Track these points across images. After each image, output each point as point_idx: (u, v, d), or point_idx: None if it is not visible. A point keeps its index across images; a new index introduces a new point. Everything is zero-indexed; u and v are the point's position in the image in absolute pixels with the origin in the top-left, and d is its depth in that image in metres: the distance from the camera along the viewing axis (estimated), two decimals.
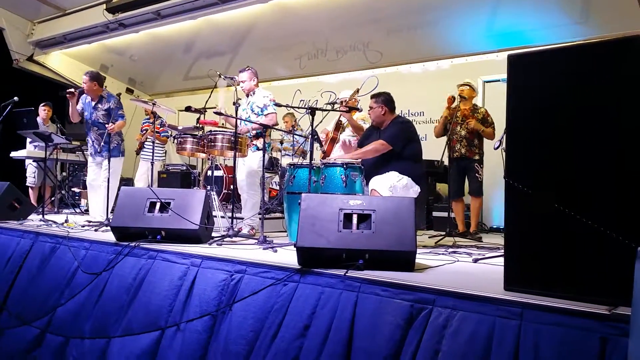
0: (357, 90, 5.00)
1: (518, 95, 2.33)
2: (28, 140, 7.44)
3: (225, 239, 3.97)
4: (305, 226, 2.84)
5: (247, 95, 5.08)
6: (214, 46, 8.81)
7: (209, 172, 6.16)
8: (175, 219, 3.72)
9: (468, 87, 5.56)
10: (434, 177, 7.02)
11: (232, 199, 4.79)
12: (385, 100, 4.44)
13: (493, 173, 5.75)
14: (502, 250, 2.77)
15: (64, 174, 8.63)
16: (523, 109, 2.32)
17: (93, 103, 5.56)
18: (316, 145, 4.66)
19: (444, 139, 5.47)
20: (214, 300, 2.88)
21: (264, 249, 3.60)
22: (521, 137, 2.32)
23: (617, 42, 2.13)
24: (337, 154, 5.02)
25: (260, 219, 4.27)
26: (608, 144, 2.05)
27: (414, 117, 7.57)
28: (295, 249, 2.78)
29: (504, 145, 3.00)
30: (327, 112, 4.69)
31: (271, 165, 6.78)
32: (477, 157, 5.45)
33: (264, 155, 4.48)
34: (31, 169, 7.69)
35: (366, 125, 4.85)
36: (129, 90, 10.51)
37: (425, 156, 4.66)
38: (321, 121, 4.85)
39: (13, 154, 7.38)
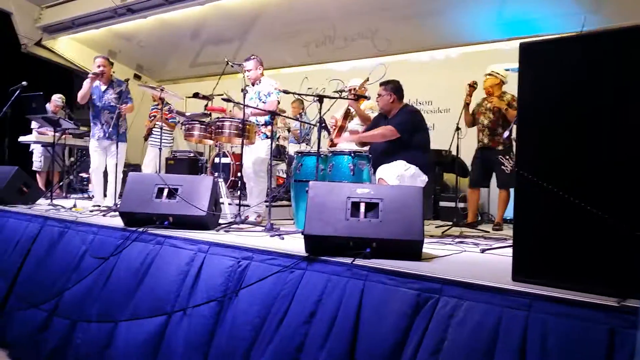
0: (367, 79, 4.97)
1: (530, 84, 2.30)
2: (33, 125, 7.47)
3: (232, 226, 3.98)
4: (313, 214, 2.83)
5: (253, 84, 5.05)
6: (221, 32, 8.78)
7: (217, 159, 6.17)
8: (183, 205, 3.73)
9: (490, 77, 5.44)
10: (441, 167, 7.00)
11: (239, 186, 4.80)
12: (394, 88, 4.41)
13: None
14: (510, 241, 2.77)
15: (72, 159, 8.66)
16: (534, 98, 2.29)
17: (103, 87, 5.57)
18: (324, 133, 4.65)
19: (453, 128, 5.41)
20: (220, 286, 2.89)
21: (271, 236, 3.61)
22: (532, 127, 2.29)
23: (632, 30, 2.10)
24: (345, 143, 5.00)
25: (267, 206, 4.27)
26: (621, 135, 2.02)
27: (422, 106, 7.53)
28: (302, 236, 2.78)
29: (513, 134, 2.98)
30: (335, 99, 4.67)
31: (278, 153, 6.78)
32: (500, 148, 5.33)
33: (272, 144, 4.47)
34: (37, 154, 7.73)
35: (374, 115, 4.83)
36: (137, 77, 10.53)
37: (433, 146, 4.63)
38: (329, 109, 4.84)
39: (21, 138, 7.42)
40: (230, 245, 3.09)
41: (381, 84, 4.51)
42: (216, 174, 5.21)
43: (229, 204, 4.93)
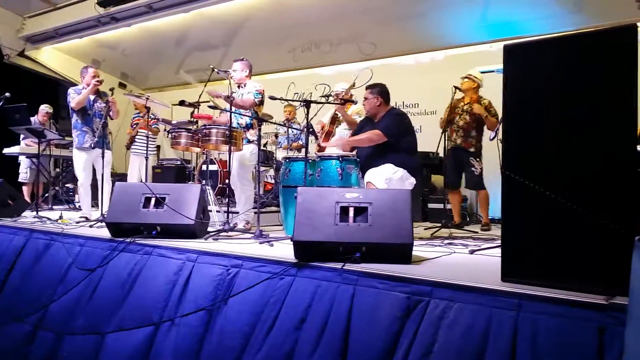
0: (354, 84, 4.97)
1: (514, 85, 2.32)
2: (22, 136, 7.40)
3: (221, 234, 3.95)
4: (302, 220, 2.82)
5: (239, 87, 5.02)
6: (206, 39, 8.75)
7: (204, 167, 6.13)
8: (171, 214, 3.70)
9: (467, 80, 5.50)
10: (429, 169, 7.02)
11: (227, 194, 4.77)
12: (380, 91, 4.42)
13: (489, 164, 5.75)
14: (498, 241, 2.77)
15: (58, 170, 8.57)
16: (519, 99, 2.30)
17: (92, 96, 5.61)
18: (311, 138, 4.64)
19: (439, 130, 5.44)
20: (209, 295, 2.86)
21: (260, 243, 3.59)
22: (517, 128, 2.30)
23: (611, 31, 2.12)
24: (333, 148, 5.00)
25: (256, 213, 4.25)
26: (605, 133, 2.04)
27: (409, 109, 7.56)
28: (291, 242, 2.77)
29: (499, 136, 3.00)
30: (321, 104, 4.66)
31: (266, 159, 6.76)
32: (472, 150, 5.41)
33: (259, 150, 4.45)
34: (24, 165, 7.64)
35: (360, 119, 4.83)
36: (122, 85, 10.45)
37: (420, 148, 4.65)
38: (315, 114, 4.83)
39: (5, 150, 7.33)
40: (219, 253, 3.07)
41: (367, 87, 4.51)
42: (204, 182, 5.17)
43: (217, 212, 4.90)
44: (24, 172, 7.62)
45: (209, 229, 4.09)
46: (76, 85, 5.85)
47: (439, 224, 5.23)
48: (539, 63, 2.26)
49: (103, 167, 5.26)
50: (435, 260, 2.97)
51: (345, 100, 4.69)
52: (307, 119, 4.08)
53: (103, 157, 5.22)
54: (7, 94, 5.64)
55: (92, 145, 5.45)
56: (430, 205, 6.66)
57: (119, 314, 3.15)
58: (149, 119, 5.70)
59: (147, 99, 5.51)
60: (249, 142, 4.84)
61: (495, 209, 5.56)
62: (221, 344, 2.66)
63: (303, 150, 4.16)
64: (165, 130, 6.76)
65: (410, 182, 4.22)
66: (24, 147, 7.32)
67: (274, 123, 6.71)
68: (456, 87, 5.40)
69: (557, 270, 2.09)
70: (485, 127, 5.44)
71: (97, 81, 5.53)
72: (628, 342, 1.55)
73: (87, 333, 3.20)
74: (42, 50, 9.65)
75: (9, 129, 6.32)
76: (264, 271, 2.79)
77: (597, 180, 2.03)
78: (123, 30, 8.57)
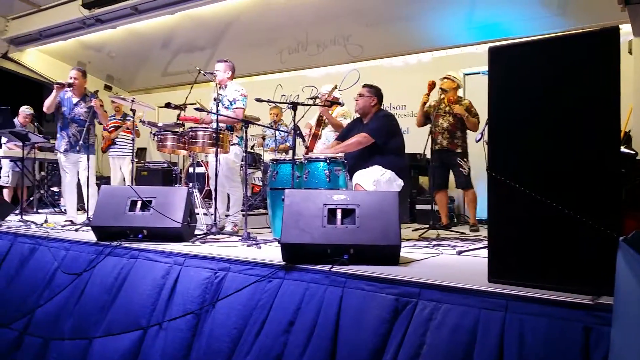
0: (335, 87, 4.97)
1: (499, 87, 2.34)
2: (3, 140, 7.30)
3: (208, 237, 3.93)
4: (289, 222, 2.82)
5: (219, 88, 4.99)
6: (193, 41, 8.72)
7: (191, 169, 6.10)
8: (157, 218, 3.67)
9: (447, 80, 5.56)
10: (416, 170, 7.05)
11: (214, 196, 4.74)
12: (377, 92, 4.44)
13: (476, 165, 5.80)
14: (485, 242, 2.79)
15: (43, 173, 8.47)
16: (504, 101, 2.32)
17: (75, 99, 5.42)
18: (299, 140, 4.63)
19: (427, 131, 5.47)
20: (197, 299, 2.84)
21: (247, 245, 3.57)
22: (503, 129, 2.32)
23: (594, 33, 2.15)
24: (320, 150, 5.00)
25: (243, 215, 4.23)
26: (589, 135, 2.06)
27: (396, 111, 7.58)
28: (279, 245, 2.76)
29: (485, 137, 3.02)
30: (308, 107, 4.66)
31: (253, 161, 6.73)
32: (459, 150, 5.44)
33: (245, 151, 4.43)
34: (5, 169, 7.53)
35: (345, 122, 4.84)
36: (107, 87, 10.37)
37: (408, 149, 4.66)
38: (303, 116, 4.83)
39: None
40: (206, 256, 3.05)
41: (365, 85, 4.51)
42: (190, 184, 5.14)
43: (205, 214, 4.87)
44: (5, 176, 7.52)
45: (196, 232, 4.07)
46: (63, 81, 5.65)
47: (427, 225, 5.26)
48: (523, 65, 2.28)
49: (88, 171, 5.22)
50: (423, 262, 2.98)
51: (332, 102, 4.69)
52: (295, 121, 4.07)
53: (88, 159, 5.17)
54: None
55: (67, 150, 5.36)
56: (418, 207, 6.69)
57: (106, 318, 3.11)
58: (133, 122, 5.65)
59: (133, 101, 5.47)
60: (233, 143, 4.83)
61: (482, 210, 5.60)
62: (210, 348, 2.65)
63: (290, 152, 4.15)
64: (151, 133, 6.71)
65: (398, 183, 4.23)
66: (7, 150, 7.21)
67: (261, 125, 6.69)
68: (442, 89, 5.44)
69: (544, 271, 2.10)
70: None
71: (58, 83, 5.28)
72: (613, 342, 1.57)
73: (74, 338, 3.16)
74: (26, 52, 9.54)
75: None
76: (252, 274, 2.78)
77: (582, 180, 2.05)
78: (109, 32, 8.51)
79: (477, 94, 5.47)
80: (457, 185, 5.55)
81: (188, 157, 6.41)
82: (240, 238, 3.89)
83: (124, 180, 6.76)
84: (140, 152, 9.72)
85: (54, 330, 3.31)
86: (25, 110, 7.67)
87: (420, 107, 5.56)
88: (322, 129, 5.00)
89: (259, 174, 7.17)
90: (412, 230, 5.18)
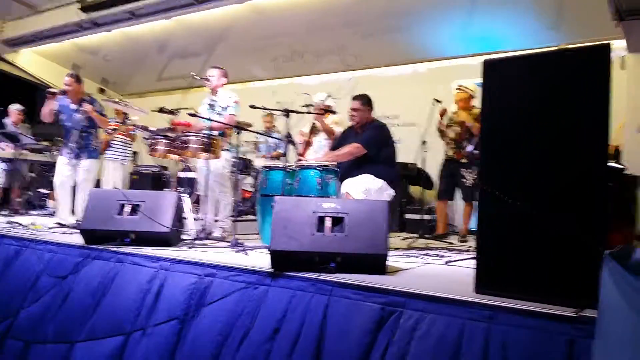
0: (329, 95, 4.99)
1: (492, 100, 2.35)
2: None
3: (196, 242, 3.90)
4: (278, 229, 2.81)
5: (212, 93, 4.99)
6: (188, 47, 8.73)
7: (182, 174, 6.08)
8: (146, 222, 3.65)
9: (459, 91, 5.49)
10: (407, 180, 7.04)
11: (206, 201, 4.72)
12: (368, 101, 4.47)
13: None
14: (473, 253, 2.79)
15: (32, 174, 8.40)
16: (497, 114, 2.34)
17: (73, 106, 5.30)
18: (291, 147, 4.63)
19: (417, 143, 5.46)
20: (182, 304, 2.82)
21: (235, 252, 3.55)
22: (494, 142, 2.33)
23: (587, 49, 2.16)
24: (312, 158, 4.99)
25: (233, 221, 4.21)
26: (578, 149, 2.07)
27: (389, 120, 7.56)
28: (268, 251, 2.75)
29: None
30: (302, 114, 4.66)
31: (244, 167, 6.72)
32: (464, 161, 5.37)
33: (237, 156, 4.42)
34: None
35: (338, 129, 4.84)
36: (101, 90, 10.35)
37: (399, 158, 4.67)
38: (296, 125, 4.84)
39: None
40: (193, 262, 3.03)
41: (355, 97, 4.52)
42: (181, 189, 5.12)
43: (195, 219, 4.84)
44: None
45: (185, 236, 4.04)
46: (55, 89, 5.55)
47: (416, 235, 5.24)
48: (517, 78, 2.30)
49: (82, 174, 5.17)
50: (409, 271, 2.97)
51: (325, 110, 4.69)
52: (288, 128, 4.07)
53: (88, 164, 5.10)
54: None
55: (70, 158, 5.29)
56: (408, 216, 6.68)
57: (90, 322, 3.08)
58: (129, 126, 5.61)
59: (126, 105, 5.45)
60: (223, 149, 4.81)
61: (474, 221, 5.58)
62: (193, 354, 2.62)
63: (282, 159, 4.15)
64: (144, 137, 6.68)
65: (389, 193, 4.23)
66: None
67: (254, 132, 6.68)
68: (436, 100, 5.43)
69: (529, 283, 2.10)
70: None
71: (49, 92, 5.17)
72: (594, 354, 1.57)
73: (57, 342, 3.12)
74: (20, 54, 9.52)
75: None
76: (239, 280, 2.76)
77: (570, 194, 2.06)
78: (104, 36, 8.52)
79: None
80: (462, 196, 5.49)
81: (179, 161, 6.39)
82: (228, 244, 3.87)
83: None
84: (132, 156, 9.67)
85: (37, 334, 3.26)
86: (16, 110, 7.60)
87: (440, 136, 5.53)
88: (315, 136, 5.00)
89: (249, 180, 7.15)
90: (401, 239, 5.17)
